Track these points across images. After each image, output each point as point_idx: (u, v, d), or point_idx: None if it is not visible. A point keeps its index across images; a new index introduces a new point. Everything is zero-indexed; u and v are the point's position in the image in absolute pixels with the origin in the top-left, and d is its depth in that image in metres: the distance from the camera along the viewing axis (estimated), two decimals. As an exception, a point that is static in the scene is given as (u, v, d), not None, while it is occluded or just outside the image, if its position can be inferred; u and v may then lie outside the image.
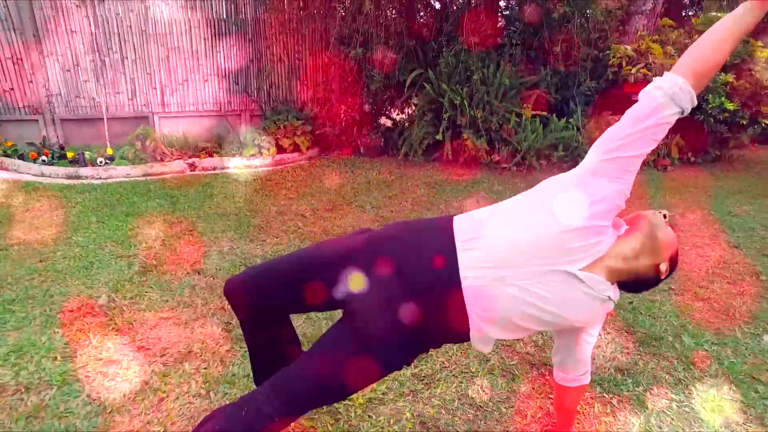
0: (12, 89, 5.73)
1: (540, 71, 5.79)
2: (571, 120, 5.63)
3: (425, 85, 5.53)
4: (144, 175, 5.15)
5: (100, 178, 4.99)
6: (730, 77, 5.70)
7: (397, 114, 5.73)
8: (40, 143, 5.75)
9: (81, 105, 5.89)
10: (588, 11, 5.24)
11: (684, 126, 5.99)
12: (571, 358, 1.41)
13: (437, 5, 5.97)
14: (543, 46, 5.71)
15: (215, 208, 4.14)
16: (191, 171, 5.38)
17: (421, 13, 5.56)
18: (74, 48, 5.72)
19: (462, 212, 1.29)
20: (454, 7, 5.75)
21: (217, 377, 1.98)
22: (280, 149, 5.68)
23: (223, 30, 5.98)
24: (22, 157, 5.26)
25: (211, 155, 5.58)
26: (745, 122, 5.77)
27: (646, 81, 5.72)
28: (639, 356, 2.19)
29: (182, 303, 2.56)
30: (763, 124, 5.98)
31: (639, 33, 6.21)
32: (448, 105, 5.44)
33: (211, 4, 5.89)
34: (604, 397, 1.93)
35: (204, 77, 6.12)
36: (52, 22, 5.61)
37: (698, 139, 6.07)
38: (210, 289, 2.72)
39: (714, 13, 6.27)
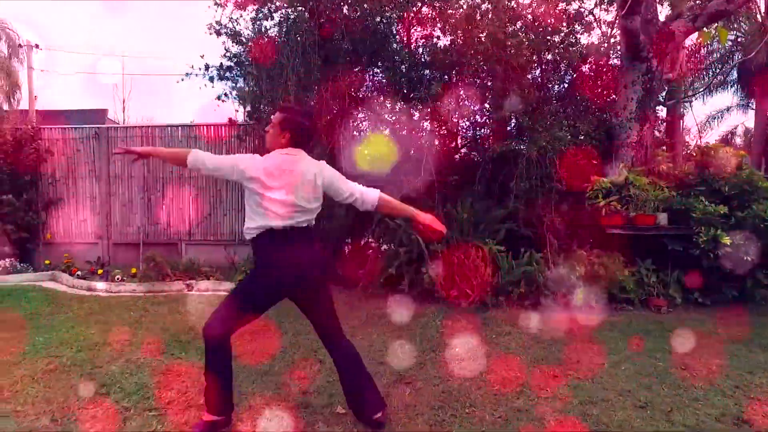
0: (85, 220, 7.41)
1: (509, 204, 5.81)
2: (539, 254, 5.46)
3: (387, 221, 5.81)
4: (147, 292, 6.08)
5: (110, 292, 6.02)
6: (723, 208, 5.19)
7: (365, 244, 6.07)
8: (95, 261, 7.18)
9: (129, 232, 7.33)
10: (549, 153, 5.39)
11: (685, 262, 5.36)
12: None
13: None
14: (506, 183, 5.84)
15: (160, 324, 4.74)
16: (188, 290, 6.20)
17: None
18: (131, 189, 7.33)
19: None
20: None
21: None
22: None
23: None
24: (68, 271, 6.63)
25: (208, 279, 6.41)
26: (750, 258, 5.04)
27: (620, 214, 5.45)
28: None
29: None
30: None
31: (622, 165, 6.05)
32: (405, 239, 5.62)
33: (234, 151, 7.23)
34: None
35: (224, 212, 7.28)
36: (121, 170, 7.35)
37: (703, 276, 5.34)
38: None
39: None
